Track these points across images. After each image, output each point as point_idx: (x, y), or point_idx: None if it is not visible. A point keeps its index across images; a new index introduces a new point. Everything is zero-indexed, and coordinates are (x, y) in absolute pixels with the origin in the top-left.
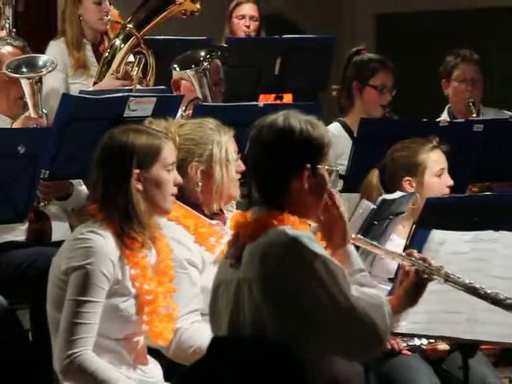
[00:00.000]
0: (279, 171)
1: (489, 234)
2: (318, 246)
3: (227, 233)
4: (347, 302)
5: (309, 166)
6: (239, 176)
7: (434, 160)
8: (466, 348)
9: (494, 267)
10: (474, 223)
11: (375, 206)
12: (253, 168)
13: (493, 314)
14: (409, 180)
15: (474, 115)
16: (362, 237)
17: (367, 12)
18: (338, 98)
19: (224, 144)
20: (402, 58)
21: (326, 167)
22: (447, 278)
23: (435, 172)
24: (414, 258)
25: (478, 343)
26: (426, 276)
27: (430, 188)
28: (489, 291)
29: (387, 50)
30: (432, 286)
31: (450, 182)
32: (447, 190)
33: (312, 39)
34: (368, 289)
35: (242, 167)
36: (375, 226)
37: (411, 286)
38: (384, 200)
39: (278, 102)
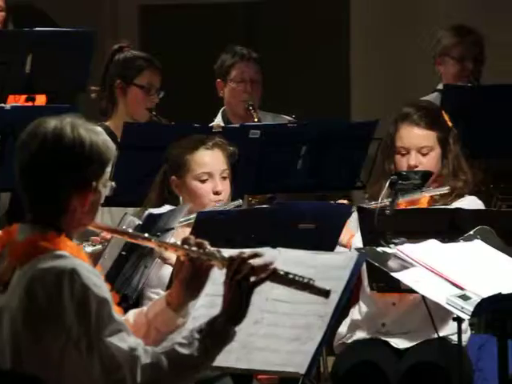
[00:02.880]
0: (63, 188)
1: (267, 250)
2: (96, 280)
3: None
4: (104, 350)
5: (94, 183)
6: None
7: (199, 162)
8: (241, 378)
9: (273, 289)
10: (251, 239)
11: (141, 222)
12: (26, 180)
13: (269, 341)
14: (175, 180)
15: (256, 120)
16: (133, 231)
17: (130, 3)
18: (99, 100)
19: None
20: (167, 55)
21: (106, 182)
22: (223, 262)
23: (196, 175)
24: (187, 246)
25: (253, 372)
26: (203, 263)
27: (192, 192)
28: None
29: (152, 45)
30: (196, 312)
31: (218, 188)
32: (216, 198)
33: (68, 33)
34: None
35: None
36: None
37: (189, 277)
38: (150, 215)
39: (30, 103)
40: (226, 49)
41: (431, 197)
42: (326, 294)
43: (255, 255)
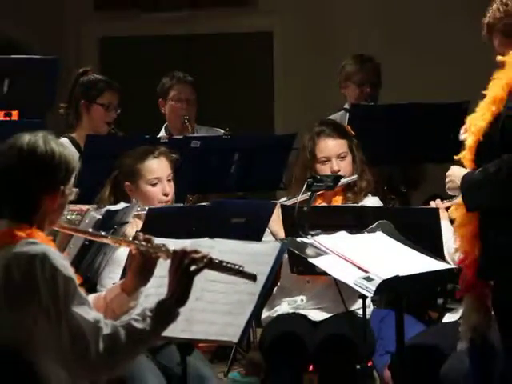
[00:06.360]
0: (36, 191)
1: (204, 241)
2: (64, 262)
3: None
4: (71, 320)
5: (62, 188)
6: None
7: (149, 169)
8: (184, 346)
9: (208, 272)
10: (193, 231)
11: (100, 217)
12: (5, 184)
13: (208, 315)
14: (128, 185)
15: (190, 131)
16: (93, 231)
17: (91, 35)
18: (66, 116)
19: None
20: (125, 79)
21: (72, 188)
22: (168, 254)
23: (148, 180)
24: (137, 241)
25: (194, 341)
26: (151, 255)
27: (145, 195)
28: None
29: (111, 71)
30: (147, 291)
31: (166, 190)
32: (164, 198)
33: (38, 60)
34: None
35: None
36: None
37: (139, 267)
38: (109, 211)
39: (7, 118)
40: (166, 73)
41: (344, 196)
42: (253, 278)
43: (195, 251)
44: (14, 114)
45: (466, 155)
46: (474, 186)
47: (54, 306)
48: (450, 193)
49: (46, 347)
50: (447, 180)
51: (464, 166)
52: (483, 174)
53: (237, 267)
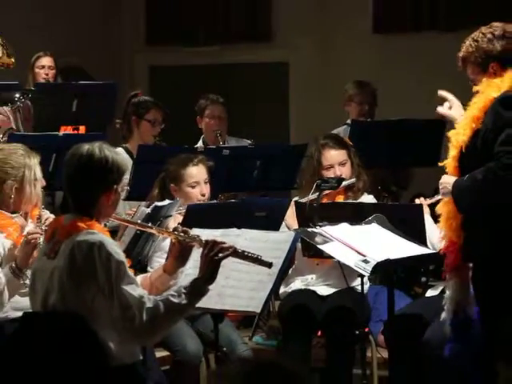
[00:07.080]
0: (94, 189)
1: (233, 230)
2: (116, 249)
3: (28, 224)
4: (121, 295)
5: (115, 187)
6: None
7: (189, 174)
8: (216, 315)
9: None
10: (223, 223)
11: (149, 211)
12: (70, 184)
13: (236, 290)
14: (173, 187)
15: (221, 143)
16: (139, 221)
17: (142, 64)
18: (121, 129)
19: (33, 167)
20: (170, 100)
21: (124, 187)
22: (200, 243)
23: (189, 183)
24: (176, 232)
25: (225, 312)
26: (187, 244)
27: (186, 195)
28: (240, 250)
29: (158, 93)
30: (187, 270)
31: (204, 191)
32: (202, 198)
33: (100, 84)
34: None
35: (43, 183)
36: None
37: (178, 253)
38: (156, 206)
39: (75, 132)
40: (202, 95)
41: (345, 194)
42: (269, 265)
43: (222, 242)
44: (81, 129)
45: (449, 163)
46: (463, 190)
47: (108, 284)
48: (443, 197)
49: (102, 317)
50: (441, 187)
51: (446, 172)
52: (471, 180)
53: (255, 256)
